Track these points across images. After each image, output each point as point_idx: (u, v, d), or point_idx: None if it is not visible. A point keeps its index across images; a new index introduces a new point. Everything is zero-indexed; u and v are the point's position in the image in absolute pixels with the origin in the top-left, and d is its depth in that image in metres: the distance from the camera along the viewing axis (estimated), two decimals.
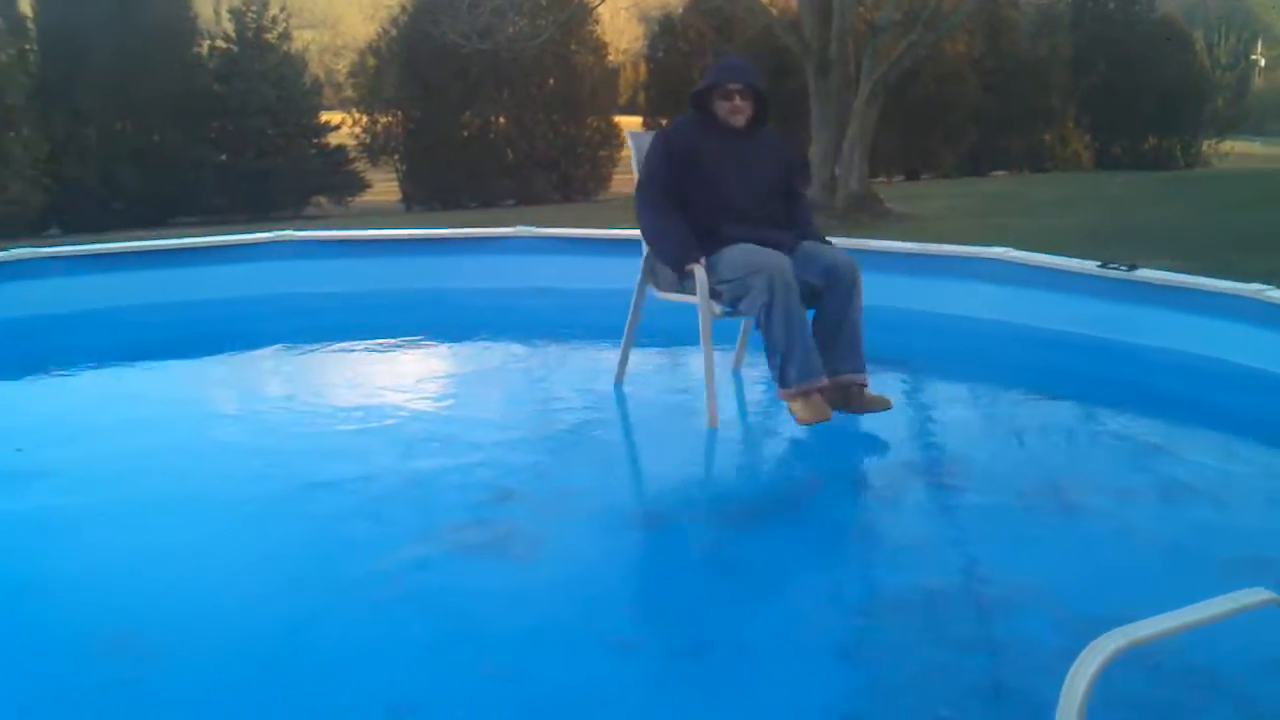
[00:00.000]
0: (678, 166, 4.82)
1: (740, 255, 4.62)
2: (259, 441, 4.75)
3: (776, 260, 4.55)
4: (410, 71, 21.30)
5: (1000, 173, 24.41)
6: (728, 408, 5.19)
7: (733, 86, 4.79)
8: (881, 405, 4.77)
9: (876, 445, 4.84)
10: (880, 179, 18.19)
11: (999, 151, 24.97)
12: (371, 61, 23.03)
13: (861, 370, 4.73)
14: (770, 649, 3.08)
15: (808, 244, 4.83)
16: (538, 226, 8.68)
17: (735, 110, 4.81)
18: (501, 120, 21.73)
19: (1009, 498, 4.20)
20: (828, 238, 5.06)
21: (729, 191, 4.80)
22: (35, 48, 19.61)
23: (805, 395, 4.54)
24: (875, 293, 7.34)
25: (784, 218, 4.93)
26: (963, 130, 24.01)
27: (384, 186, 23.00)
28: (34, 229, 18.20)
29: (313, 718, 2.72)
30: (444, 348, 6.87)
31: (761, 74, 4.96)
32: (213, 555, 3.65)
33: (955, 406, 5.64)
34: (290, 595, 3.36)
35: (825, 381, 4.59)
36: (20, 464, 4.49)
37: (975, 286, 7.18)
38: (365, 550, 3.66)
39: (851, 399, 4.74)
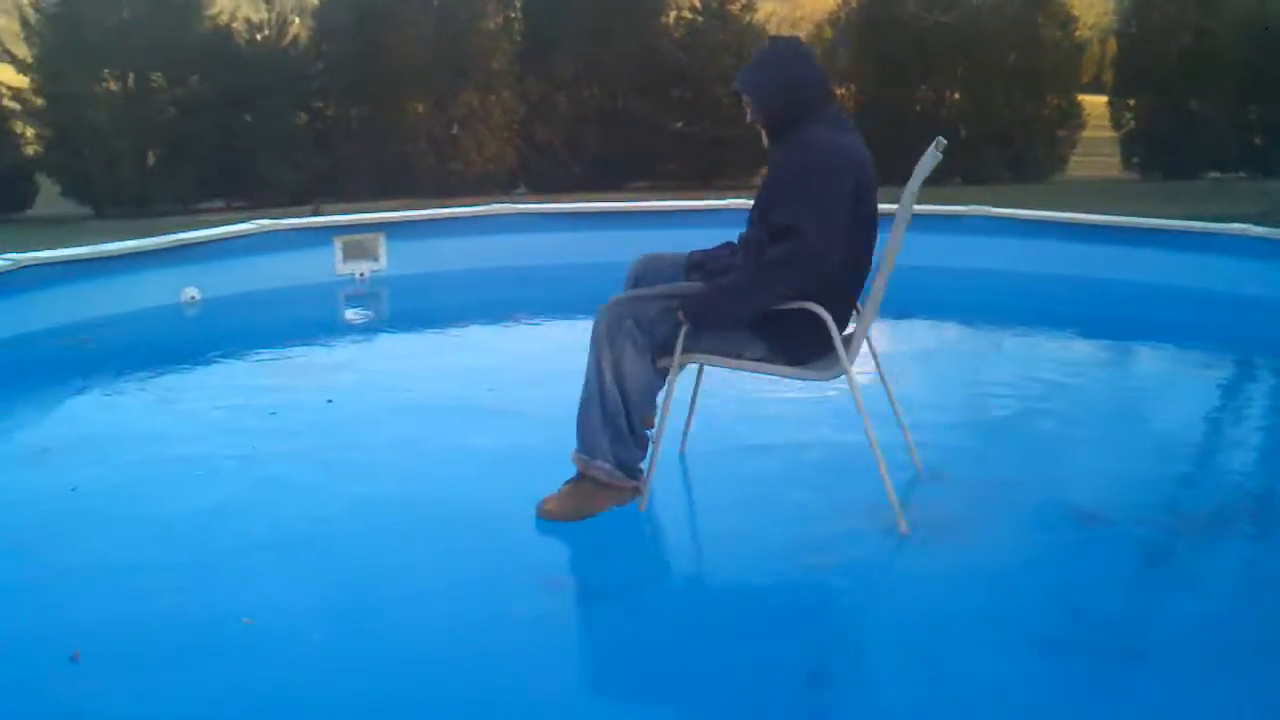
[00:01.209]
0: None
1: None
2: (700, 400, 4.91)
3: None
4: (866, 45, 21.21)
5: None
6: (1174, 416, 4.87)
7: (745, 98, 3.71)
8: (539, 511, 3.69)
9: None
10: None
11: None
12: (827, 33, 23.11)
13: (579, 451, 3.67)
14: (1212, 666, 2.86)
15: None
16: (993, 206, 8.47)
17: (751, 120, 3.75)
18: (956, 96, 21.25)
19: None
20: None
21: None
22: (519, 16, 21.05)
23: None
24: None
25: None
26: None
27: None
28: (504, 187, 19.62)
29: (732, 674, 2.78)
30: (887, 324, 6.82)
31: (785, 68, 3.63)
32: (649, 505, 3.81)
33: None
34: (713, 555, 3.46)
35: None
36: (491, 402, 4.88)
37: None
38: (793, 516, 3.71)
39: None
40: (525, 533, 3.58)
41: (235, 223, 7.95)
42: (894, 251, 3.58)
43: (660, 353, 3.58)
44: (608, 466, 3.58)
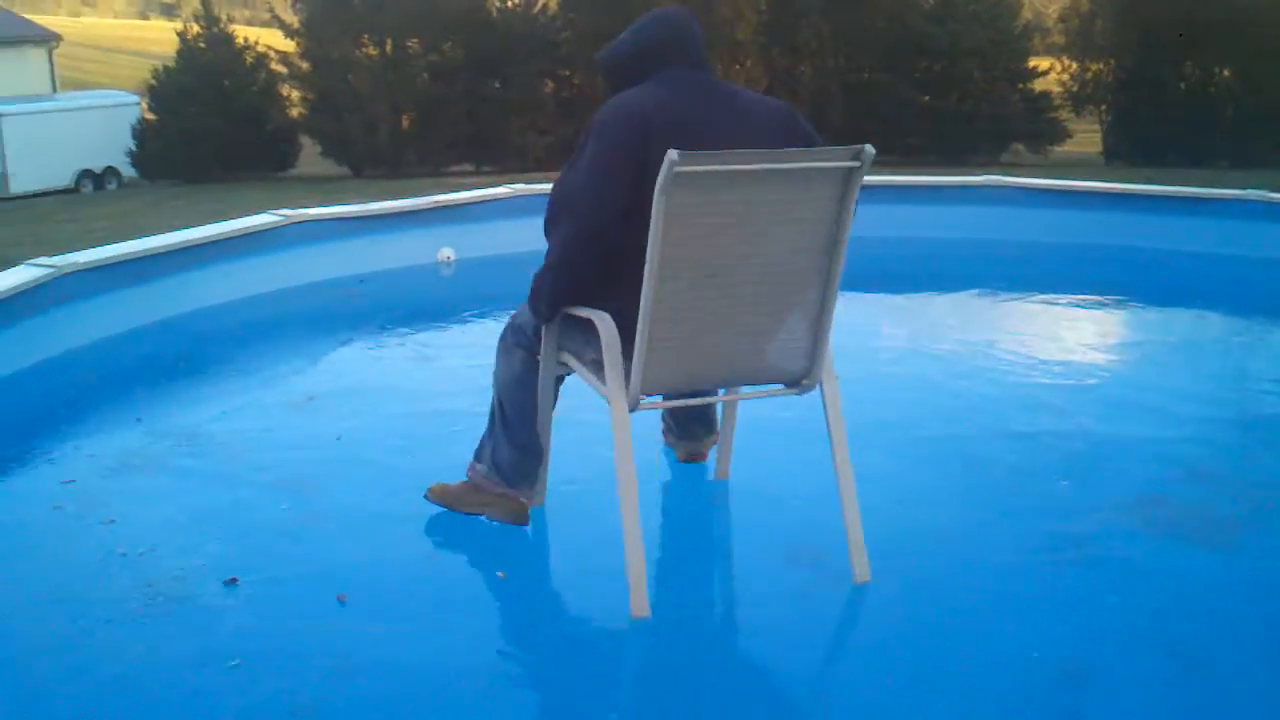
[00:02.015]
0: None
1: None
2: (955, 383, 4.80)
3: None
4: (1128, 17, 20.28)
5: None
6: None
7: None
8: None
9: None
10: None
11: None
12: (1085, 5, 22.23)
13: None
14: None
15: None
16: (1271, 192, 7.97)
17: None
18: (1226, 73, 20.13)
19: None
20: None
21: None
22: None
23: None
24: None
25: None
26: None
27: (1084, 137, 22.24)
28: None
29: (984, 670, 2.69)
30: (1151, 311, 6.53)
31: (633, 35, 3.23)
32: (894, 488, 3.69)
33: None
34: (965, 541, 3.34)
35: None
36: None
37: None
38: (1055, 508, 3.55)
39: None
40: (778, 510, 3.54)
41: (486, 186, 8.17)
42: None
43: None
44: (483, 469, 3.42)
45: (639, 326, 2.79)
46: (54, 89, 29.25)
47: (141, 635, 2.76)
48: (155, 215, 12.43)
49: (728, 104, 3.07)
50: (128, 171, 22.47)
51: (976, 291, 6.74)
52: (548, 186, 8.06)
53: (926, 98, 21.30)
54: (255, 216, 6.71)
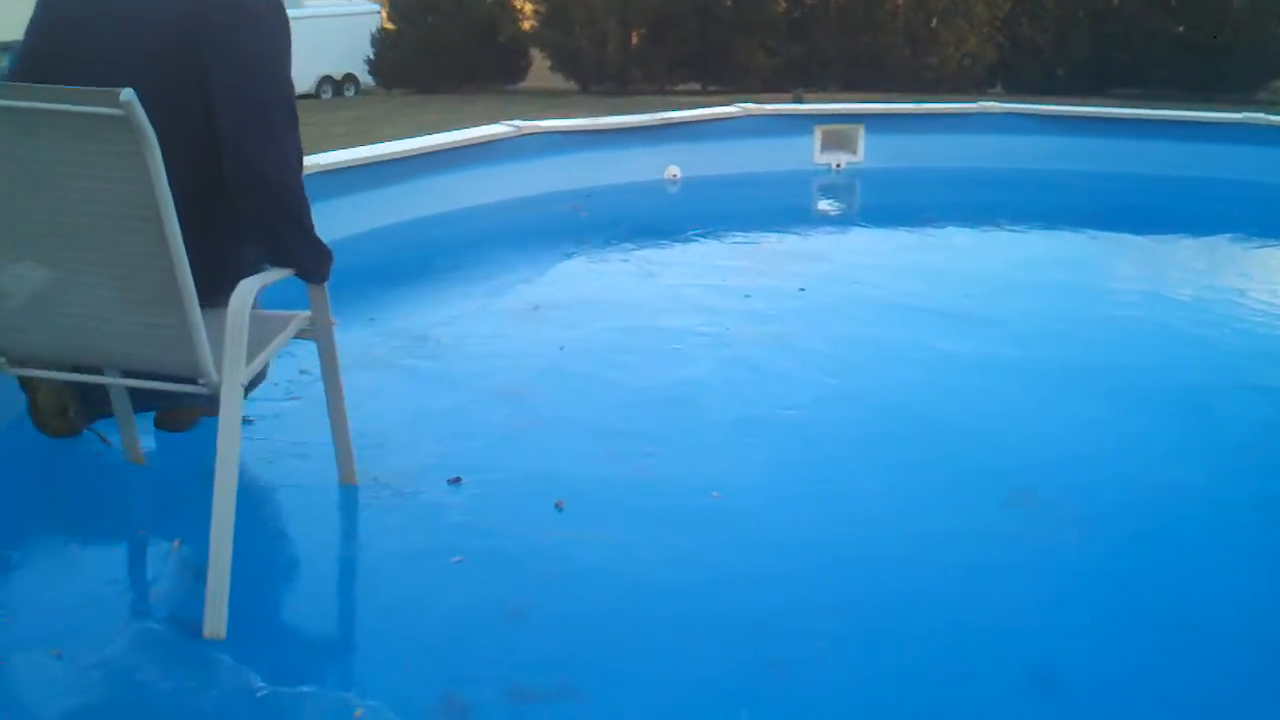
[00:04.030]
0: None
1: None
2: (1199, 331, 4.57)
3: None
4: None
5: None
6: None
7: None
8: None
9: None
10: None
11: None
12: None
13: None
14: None
15: None
16: None
17: None
18: None
19: None
20: None
21: None
22: None
23: None
24: None
25: None
26: None
27: None
28: (979, 85, 18.94)
29: (1208, 634, 2.53)
30: None
31: None
32: (1123, 437, 3.54)
33: None
34: (1199, 497, 3.15)
35: None
36: (966, 307, 4.73)
37: None
38: None
39: None
40: (990, 447, 3.42)
41: (713, 105, 8.11)
42: None
43: None
44: None
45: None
46: None
47: (368, 526, 2.86)
48: (391, 122, 12.77)
49: None
50: (365, 79, 23.14)
51: (1230, 236, 6.36)
52: (777, 107, 8.04)
53: (1180, 28, 20.10)
54: (489, 126, 6.82)
